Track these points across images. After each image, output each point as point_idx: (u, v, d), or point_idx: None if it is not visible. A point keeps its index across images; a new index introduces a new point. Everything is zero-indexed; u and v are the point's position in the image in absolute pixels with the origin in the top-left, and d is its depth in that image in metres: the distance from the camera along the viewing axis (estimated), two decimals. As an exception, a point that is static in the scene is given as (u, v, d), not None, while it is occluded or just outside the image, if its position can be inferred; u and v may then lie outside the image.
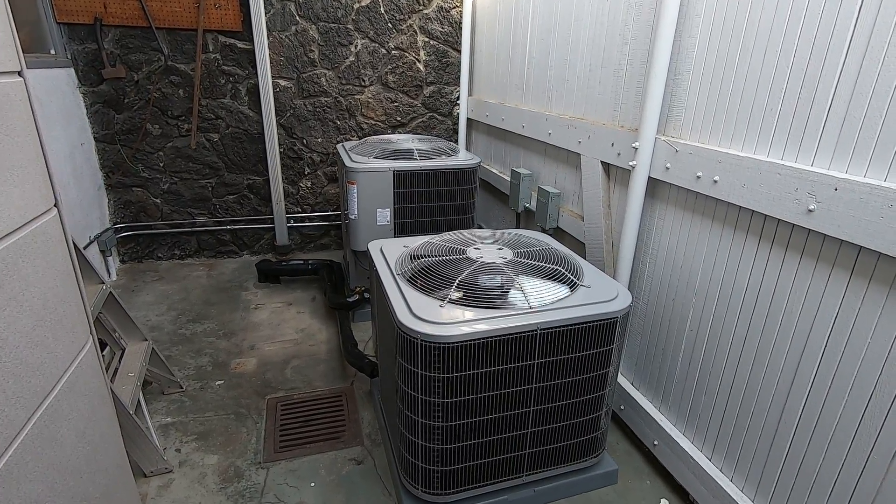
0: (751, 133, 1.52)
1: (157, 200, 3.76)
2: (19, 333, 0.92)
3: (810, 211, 1.31)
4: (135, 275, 3.70)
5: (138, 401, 2.02)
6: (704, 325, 1.77)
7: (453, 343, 1.49)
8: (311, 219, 4.11)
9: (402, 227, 2.98)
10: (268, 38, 3.53)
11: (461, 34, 3.83)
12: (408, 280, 1.77)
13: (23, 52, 2.78)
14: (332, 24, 3.63)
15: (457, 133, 4.16)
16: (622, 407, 2.20)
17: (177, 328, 3.01)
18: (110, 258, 3.58)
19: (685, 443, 1.86)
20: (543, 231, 2.70)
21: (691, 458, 1.81)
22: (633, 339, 2.16)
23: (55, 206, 1.10)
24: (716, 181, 1.61)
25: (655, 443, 1.99)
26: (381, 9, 3.68)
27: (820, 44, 1.30)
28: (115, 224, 3.71)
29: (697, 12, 1.68)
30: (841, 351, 1.31)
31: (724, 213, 1.65)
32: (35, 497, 0.93)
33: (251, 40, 3.50)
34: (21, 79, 0.99)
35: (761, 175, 1.45)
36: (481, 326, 1.51)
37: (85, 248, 3.26)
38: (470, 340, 1.50)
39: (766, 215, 1.49)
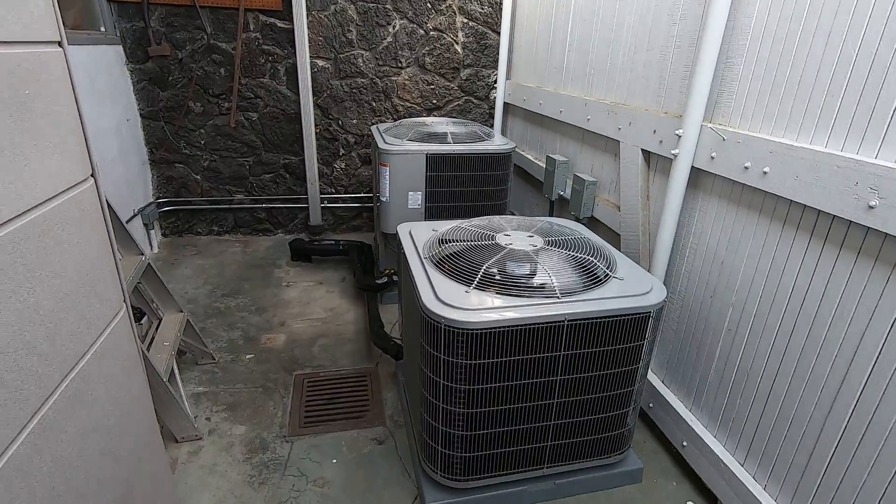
0: (807, 122, 1.41)
1: (198, 177, 3.86)
2: (54, 298, 0.95)
3: (871, 207, 1.21)
4: (175, 248, 3.83)
5: (172, 369, 2.09)
6: (744, 325, 1.68)
7: (478, 329, 1.46)
8: (343, 200, 4.14)
9: (434, 211, 2.96)
10: (307, 18, 3.53)
11: (501, 15, 3.73)
12: (435, 264, 1.74)
13: (75, 29, 2.85)
14: (371, 4, 3.60)
15: (493, 118, 4.08)
16: (651, 405, 2.13)
17: (211, 301, 3.11)
18: (153, 231, 3.72)
19: (716, 446, 1.79)
20: (577, 220, 2.62)
21: (722, 461, 1.73)
22: (666, 335, 2.08)
23: (92, 175, 1.12)
24: (766, 173, 1.51)
25: (685, 444, 1.92)
26: (421, -12, 3.62)
27: (893, 25, 1.18)
28: (157, 199, 3.84)
29: (756, -10, 1.56)
30: (896, 360, 1.22)
31: (772, 207, 1.55)
32: (64, 456, 0.97)
33: (291, 20, 3.51)
34: (61, 49, 1.01)
35: (817, 167, 1.34)
36: (507, 314, 1.48)
37: (129, 221, 3.39)
38: (495, 328, 1.47)
39: (819, 210, 1.39)
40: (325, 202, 4.11)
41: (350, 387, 2.40)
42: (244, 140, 3.83)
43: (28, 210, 0.88)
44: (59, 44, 1.01)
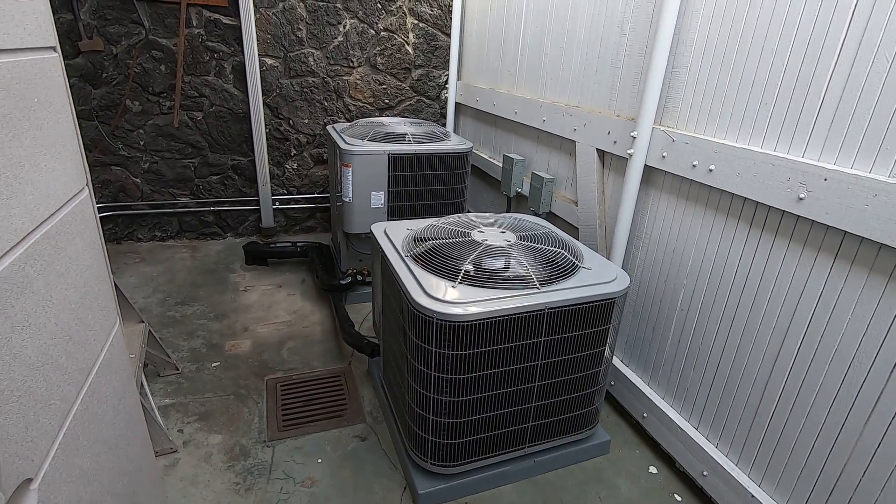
0: (746, 125, 1.62)
1: (138, 180, 3.65)
2: (68, 310, 0.93)
3: (801, 199, 1.43)
4: (114, 256, 3.60)
5: (141, 382, 2.00)
6: (695, 305, 1.89)
7: (468, 321, 1.55)
8: (296, 201, 4.08)
9: (396, 210, 3.01)
10: (254, 15, 3.44)
11: (451, 18, 3.82)
12: (417, 261, 1.81)
13: None
14: (321, 3, 3.57)
15: (444, 117, 4.17)
16: (612, 383, 2.32)
17: (165, 310, 2.97)
18: (89, 239, 3.47)
19: (673, 414, 2.00)
20: (536, 215, 2.78)
21: (679, 428, 1.94)
22: (625, 318, 2.28)
23: (87, 185, 1.10)
24: (711, 170, 1.72)
25: (645, 415, 2.13)
26: (371, -11, 3.64)
27: (814, 44, 1.40)
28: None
29: (697, 9, 1.76)
30: (823, 328, 1.45)
31: (717, 200, 1.76)
32: (86, 469, 0.95)
33: (237, 16, 3.41)
34: (57, 54, 0.98)
35: (756, 165, 1.55)
36: (494, 305, 1.58)
37: (64, 228, 3.15)
38: (483, 319, 1.57)
39: (757, 202, 1.60)
40: (277, 203, 4.02)
41: (325, 387, 2.40)
42: (188, 140, 3.66)
43: (44, 221, 0.86)
44: (54, 49, 0.98)
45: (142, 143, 3.56)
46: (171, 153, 3.66)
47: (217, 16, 3.40)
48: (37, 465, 0.78)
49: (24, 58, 0.84)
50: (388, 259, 1.88)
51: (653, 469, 2.04)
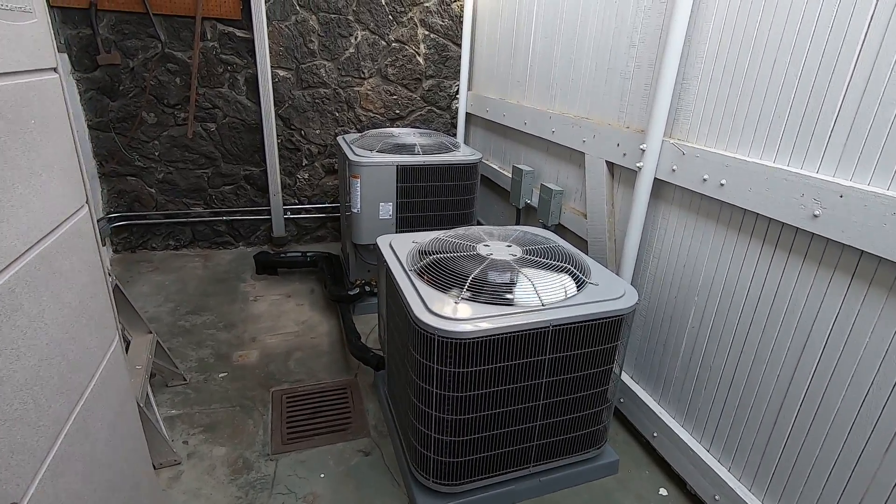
0: (758, 139, 1.58)
1: (152, 190, 3.71)
2: (61, 329, 0.93)
3: (815, 216, 1.38)
4: (128, 265, 3.65)
5: (147, 393, 2.02)
6: (706, 323, 1.84)
7: (470, 339, 1.53)
8: (307, 210, 4.10)
9: (404, 222, 3.00)
10: (267, 28, 3.48)
11: (461, 29, 3.83)
12: (421, 276, 1.79)
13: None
14: (333, 15, 3.60)
15: (455, 127, 4.17)
16: (622, 400, 2.27)
17: (175, 320, 3.00)
18: (103, 249, 3.53)
19: (684, 434, 1.94)
20: (545, 227, 2.74)
21: (690, 449, 1.88)
22: (634, 334, 2.23)
23: (86, 202, 1.10)
24: (722, 184, 1.67)
25: (655, 434, 2.07)
26: (382, 0, 3.66)
27: (829, 56, 1.36)
28: (108, 213, 3.65)
29: (707, 20, 1.73)
30: (840, 349, 1.39)
31: (728, 216, 1.71)
32: (76, 490, 0.94)
33: (250, 29, 3.45)
34: (57, 75, 0.99)
35: (768, 180, 1.50)
36: (497, 323, 1.55)
37: (80, 237, 3.21)
38: (486, 336, 1.54)
39: (770, 219, 1.55)
40: (289, 213, 4.04)
41: (331, 400, 2.39)
42: (202, 151, 3.71)
43: (39, 241, 0.86)
44: (55, 69, 1.00)
45: (157, 153, 3.62)
46: (185, 164, 3.71)
47: (231, 29, 3.45)
48: (23, 489, 0.78)
49: (21, 80, 0.85)
50: (391, 273, 1.87)
51: (663, 491, 1.97)
